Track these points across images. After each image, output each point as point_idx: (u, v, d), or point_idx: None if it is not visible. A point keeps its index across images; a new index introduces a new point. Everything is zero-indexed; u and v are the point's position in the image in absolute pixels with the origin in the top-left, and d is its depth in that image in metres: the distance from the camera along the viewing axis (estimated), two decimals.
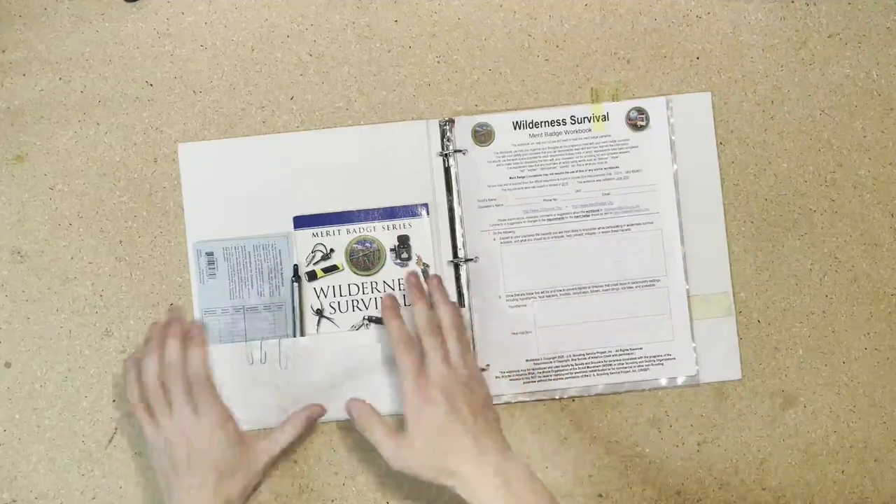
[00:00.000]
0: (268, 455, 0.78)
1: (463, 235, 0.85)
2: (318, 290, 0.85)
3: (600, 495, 0.85)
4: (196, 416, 0.77)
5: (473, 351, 0.84)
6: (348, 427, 0.84)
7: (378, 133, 0.86)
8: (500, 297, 0.86)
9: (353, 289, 0.85)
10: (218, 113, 0.86)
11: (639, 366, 0.86)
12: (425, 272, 0.85)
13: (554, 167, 0.86)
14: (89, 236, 0.85)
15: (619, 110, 0.87)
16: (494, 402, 0.84)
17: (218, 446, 0.76)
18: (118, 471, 0.84)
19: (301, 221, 0.85)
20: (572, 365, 0.85)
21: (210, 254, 0.85)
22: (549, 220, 0.86)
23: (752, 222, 0.87)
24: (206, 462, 0.75)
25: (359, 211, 0.86)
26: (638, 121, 0.87)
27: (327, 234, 0.85)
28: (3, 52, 0.86)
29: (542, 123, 0.86)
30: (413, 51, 0.87)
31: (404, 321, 0.79)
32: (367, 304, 0.85)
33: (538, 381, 0.85)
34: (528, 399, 0.85)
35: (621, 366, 0.86)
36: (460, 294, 0.85)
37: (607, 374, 0.85)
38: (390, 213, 0.86)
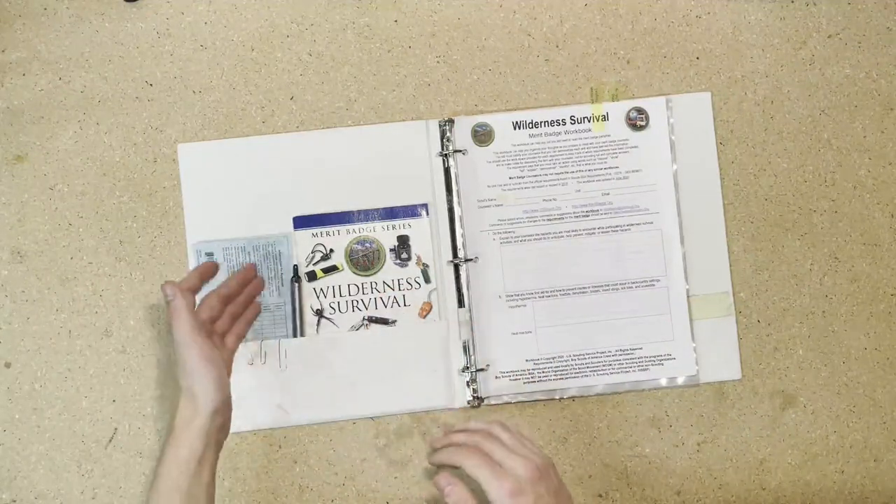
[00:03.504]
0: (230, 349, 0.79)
1: (463, 235, 0.85)
2: (318, 290, 0.85)
3: (600, 495, 0.85)
4: (223, 343, 0.78)
5: (473, 350, 0.84)
6: (348, 428, 0.84)
7: (378, 133, 0.86)
8: (500, 296, 0.86)
9: (353, 289, 0.85)
10: (218, 113, 0.86)
11: (639, 366, 0.86)
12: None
13: (554, 167, 0.86)
14: (89, 236, 0.85)
15: (618, 110, 0.87)
16: (494, 402, 0.85)
17: (215, 375, 0.73)
18: (118, 471, 0.84)
19: (301, 221, 0.85)
20: (572, 365, 0.85)
21: (210, 254, 0.85)
22: (549, 220, 0.86)
23: (752, 222, 0.87)
24: (204, 379, 0.73)
25: (358, 211, 0.85)
26: (638, 121, 0.87)
27: (327, 234, 0.85)
28: (3, 52, 0.86)
29: (542, 123, 0.86)
30: (413, 51, 0.87)
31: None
32: (366, 305, 0.85)
33: (538, 381, 0.85)
34: (528, 399, 0.85)
35: (621, 366, 0.85)
36: (460, 294, 0.85)
37: (607, 374, 0.85)
38: (390, 214, 0.85)
